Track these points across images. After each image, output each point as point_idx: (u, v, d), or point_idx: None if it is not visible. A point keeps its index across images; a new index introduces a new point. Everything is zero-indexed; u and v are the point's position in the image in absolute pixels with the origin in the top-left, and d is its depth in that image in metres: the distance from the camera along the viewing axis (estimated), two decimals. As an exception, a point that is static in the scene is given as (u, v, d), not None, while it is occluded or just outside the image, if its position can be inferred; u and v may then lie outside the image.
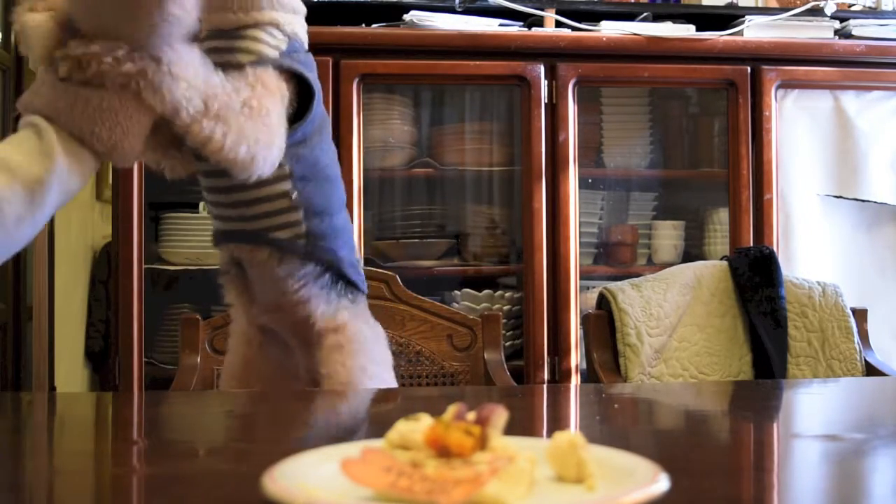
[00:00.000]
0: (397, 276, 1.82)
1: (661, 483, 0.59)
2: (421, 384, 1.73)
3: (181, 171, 1.26)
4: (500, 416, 0.63)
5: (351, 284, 1.32)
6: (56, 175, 1.03)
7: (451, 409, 0.63)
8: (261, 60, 1.19)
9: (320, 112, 1.29)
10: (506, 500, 0.56)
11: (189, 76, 1.08)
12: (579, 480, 0.63)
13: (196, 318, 1.74)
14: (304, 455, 0.66)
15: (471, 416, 0.62)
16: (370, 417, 1.19)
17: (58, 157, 1.03)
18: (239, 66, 1.18)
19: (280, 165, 1.20)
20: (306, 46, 1.31)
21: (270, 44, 1.22)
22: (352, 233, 1.36)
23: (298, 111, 1.24)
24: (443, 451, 0.59)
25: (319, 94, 1.28)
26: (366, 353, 1.30)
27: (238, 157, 1.12)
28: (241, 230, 1.28)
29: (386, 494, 0.57)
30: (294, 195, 1.25)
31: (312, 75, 1.26)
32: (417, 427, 0.62)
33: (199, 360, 1.69)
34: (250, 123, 1.12)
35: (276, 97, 1.16)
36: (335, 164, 1.33)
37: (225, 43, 1.21)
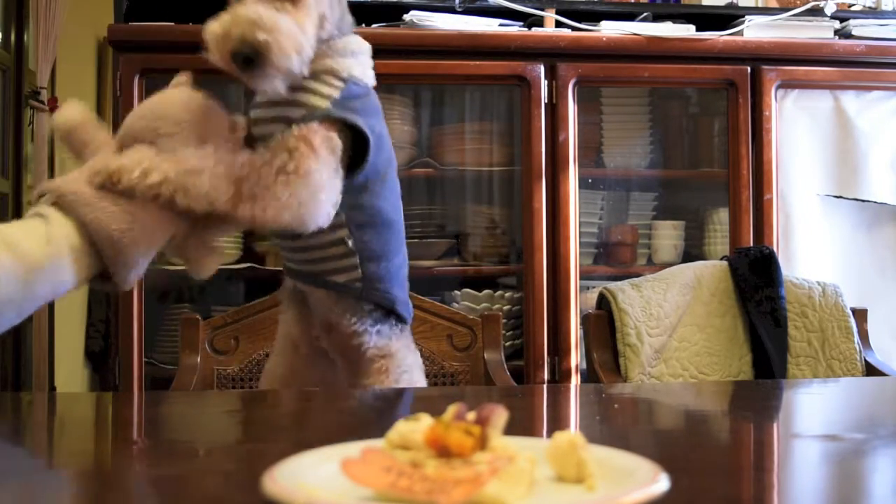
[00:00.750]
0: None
1: (662, 483, 0.59)
2: (420, 384, 1.73)
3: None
4: (500, 416, 0.63)
5: (400, 318, 1.35)
6: (54, 266, 1.03)
7: (451, 409, 0.63)
8: (308, 115, 1.19)
9: (383, 158, 1.28)
10: (506, 500, 0.55)
11: (209, 166, 1.10)
12: (579, 480, 0.63)
13: (196, 318, 1.75)
14: (304, 455, 0.66)
15: (471, 416, 0.62)
16: (370, 417, 1.19)
17: (60, 249, 1.03)
18: (289, 122, 1.18)
19: (336, 214, 1.20)
20: (371, 83, 1.31)
21: (323, 93, 1.21)
22: (406, 270, 1.38)
23: (357, 157, 1.24)
24: (443, 451, 0.59)
25: (381, 139, 1.27)
26: (407, 380, 1.34)
27: (285, 222, 1.14)
28: (301, 270, 1.31)
29: (386, 494, 0.57)
30: (350, 243, 1.27)
31: (371, 120, 1.25)
32: (417, 427, 0.62)
33: (199, 360, 1.69)
34: (289, 189, 1.12)
35: (320, 154, 1.16)
36: (397, 209, 1.34)
37: (279, 97, 1.21)
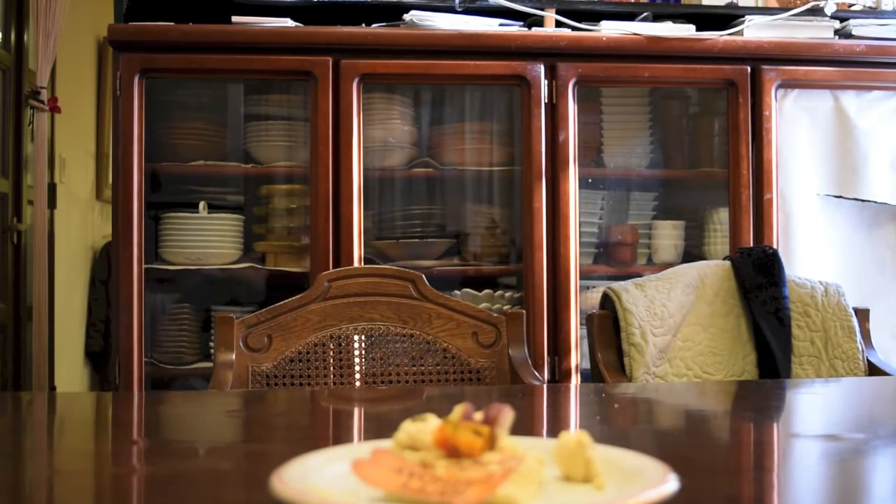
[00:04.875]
0: (423, 276, 1.83)
1: (672, 483, 0.58)
2: (448, 380, 1.74)
3: None
4: (508, 416, 0.62)
5: None
6: None
7: (459, 410, 0.62)
8: None
9: None
10: (520, 501, 0.55)
11: None
12: (587, 480, 0.62)
13: (230, 317, 1.74)
14: (310, 456, 0.65)
15: (478, 416, 0.62)
16: (370, 417, 1.19)
17: None
18: None
19: None
20: None
21: None
22: None
23: None
24: (452, 452, 0.59)
25: None
26: None
27: None
28: None
29: (398, 495, 0.57)
30: None
31: None
32: (425, 427, 0.61)
33: (233, 356, 1.69)
34: None
35: None
36: None
37: None
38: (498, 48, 2.53)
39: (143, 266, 2.46)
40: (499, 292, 2.68)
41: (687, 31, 2.60)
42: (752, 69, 2.60)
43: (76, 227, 4.86)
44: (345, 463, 0.61)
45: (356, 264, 2.44)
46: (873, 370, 2.01)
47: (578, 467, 0.63)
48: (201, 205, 2.68)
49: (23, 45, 4.41)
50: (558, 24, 2.62)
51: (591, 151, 2.78)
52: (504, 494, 0.55)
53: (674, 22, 2.63)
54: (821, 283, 2.11)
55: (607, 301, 2.05)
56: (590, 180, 2.75)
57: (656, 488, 0.57)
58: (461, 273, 2.72)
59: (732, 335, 2.05)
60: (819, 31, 2.67)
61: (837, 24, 2.69)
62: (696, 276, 2.08)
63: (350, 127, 2.46)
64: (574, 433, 0.64)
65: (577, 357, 2.51)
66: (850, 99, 2.64)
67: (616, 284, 2.06)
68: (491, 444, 0.60)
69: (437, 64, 2.52)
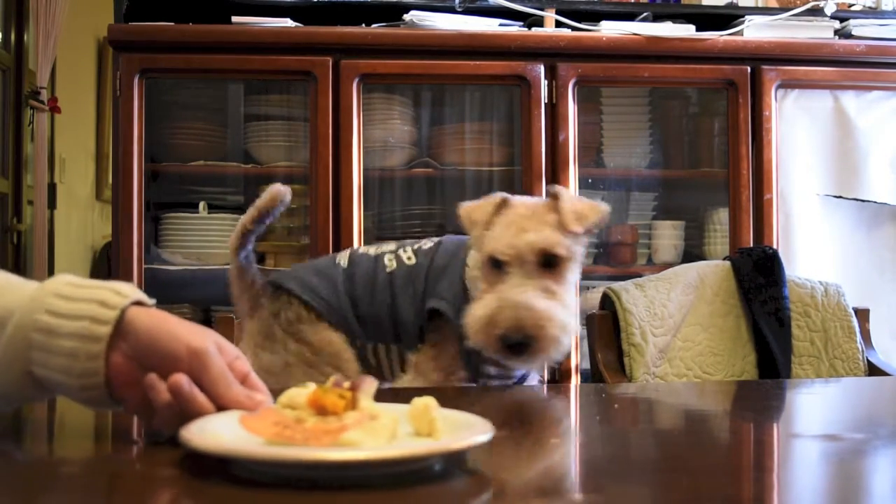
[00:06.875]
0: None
1: (487, 435, 0.73)
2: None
3: None
4: (371, 385, 0.79)
5: None
6: None
7: (331, 379, 0.78)
8: None
9: None
10: (361, 443, 0.70)
11: None
12: (430, 434, 0.77)
13: (230, 318, 1.74)
14: (216, 416, 0.81)
15: (346, 384, 0.78)
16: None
17: None
18: None
19: None
20: None
21: None
22: None
23: None
24: (321, 410, 0.75)
25: None
26: None
27: None
28: None
29: (274, 441, 0.72)
30: None
31: None
32: (303, 392, 0.77)
33: None
34: None
35: None
36: None
37: None
38: (498, 48, 2.53)
39: (143, 266, 2.46)
40: (499, 292, 2.67)
41: (687, 31, 2.61)
42: (752, 69, 2.60)
43: (76, 227, 4.86)
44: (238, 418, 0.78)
45: (356, 264, 2.43)
46: (873, 370, 2.02)
47: (425, 425, 0.78)
48: (201, 205, 2.68)
49: (23, 45, 4.41)
50: (558, 24, 2.62)
51: (591, 151, 2.78)
52: (349, 438, 0.70)
53: (674, 22, 2.63)
54: (821, 283, 2.11)
55: (607, 301, 2.05)
56: (590, 180, 2.75)
57: (472, 437, 0.73)
58: (461, 273, 2.71)
59: (732, 335, 2.05)
60: (819, 31, 2.67)
61: (837, 24, 2.69)
62: (695, 276, 2.08)
63: (350, 127, 2.46)
64: (423, 398, 0.79)
65: (577, 357, 2.50)
66: (849, 99, 2.64)
67: (616, 284, 2.06)
68: (353, 405, 0.75)
69: (437, 64, 2.52)
